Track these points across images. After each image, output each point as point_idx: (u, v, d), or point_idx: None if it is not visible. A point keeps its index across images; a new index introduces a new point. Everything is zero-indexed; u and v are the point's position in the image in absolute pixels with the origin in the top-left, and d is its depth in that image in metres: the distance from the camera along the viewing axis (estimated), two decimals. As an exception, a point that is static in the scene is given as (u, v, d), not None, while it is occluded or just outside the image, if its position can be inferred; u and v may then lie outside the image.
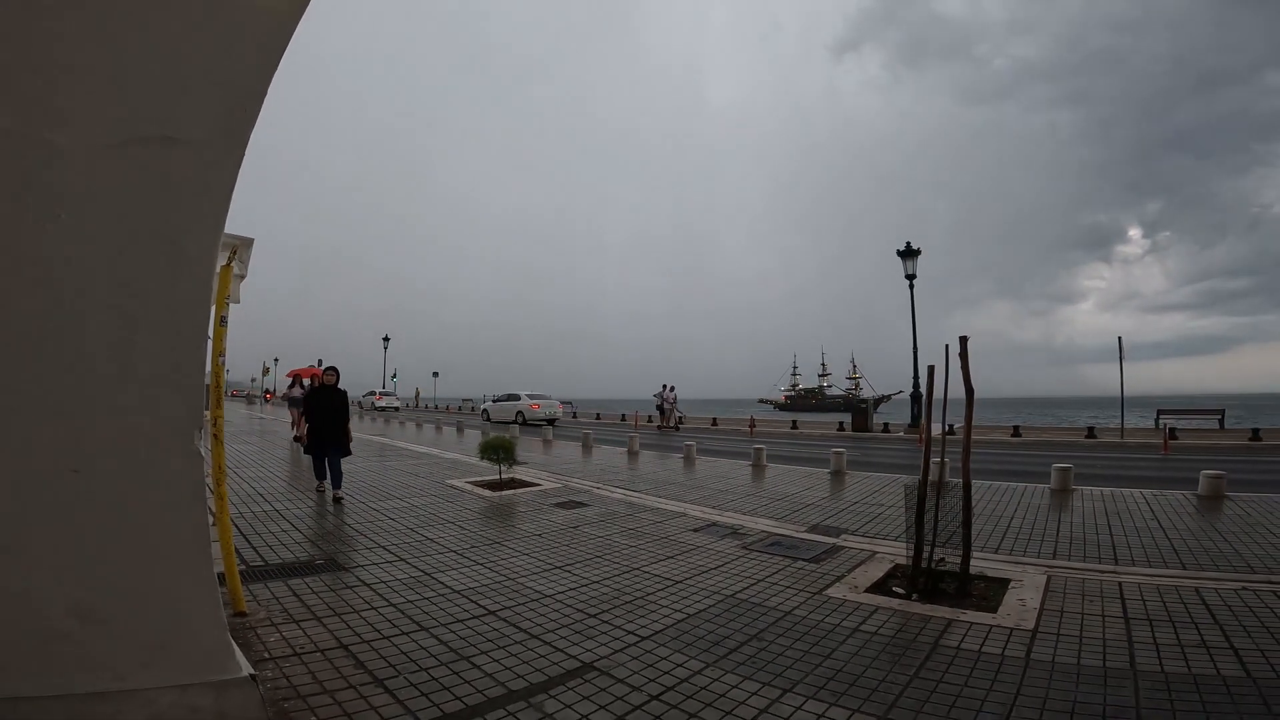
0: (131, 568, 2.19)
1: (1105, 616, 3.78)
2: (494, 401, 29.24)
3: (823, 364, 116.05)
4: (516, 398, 27.65)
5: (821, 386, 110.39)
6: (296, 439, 11.57)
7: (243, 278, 4.48)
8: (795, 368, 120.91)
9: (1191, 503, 7.28)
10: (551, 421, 25.18)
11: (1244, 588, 4.24)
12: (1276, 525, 6.07)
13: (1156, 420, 20.48)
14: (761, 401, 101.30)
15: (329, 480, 7.79)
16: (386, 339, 44.71)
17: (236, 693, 2.30)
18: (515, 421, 24.64)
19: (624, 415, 32.02)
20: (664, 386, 25.23)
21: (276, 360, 62.58)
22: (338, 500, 7.51)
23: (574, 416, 32.67)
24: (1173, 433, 16.24)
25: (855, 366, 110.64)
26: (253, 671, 2.41)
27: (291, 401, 16.36)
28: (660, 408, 25.56)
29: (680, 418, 26.24)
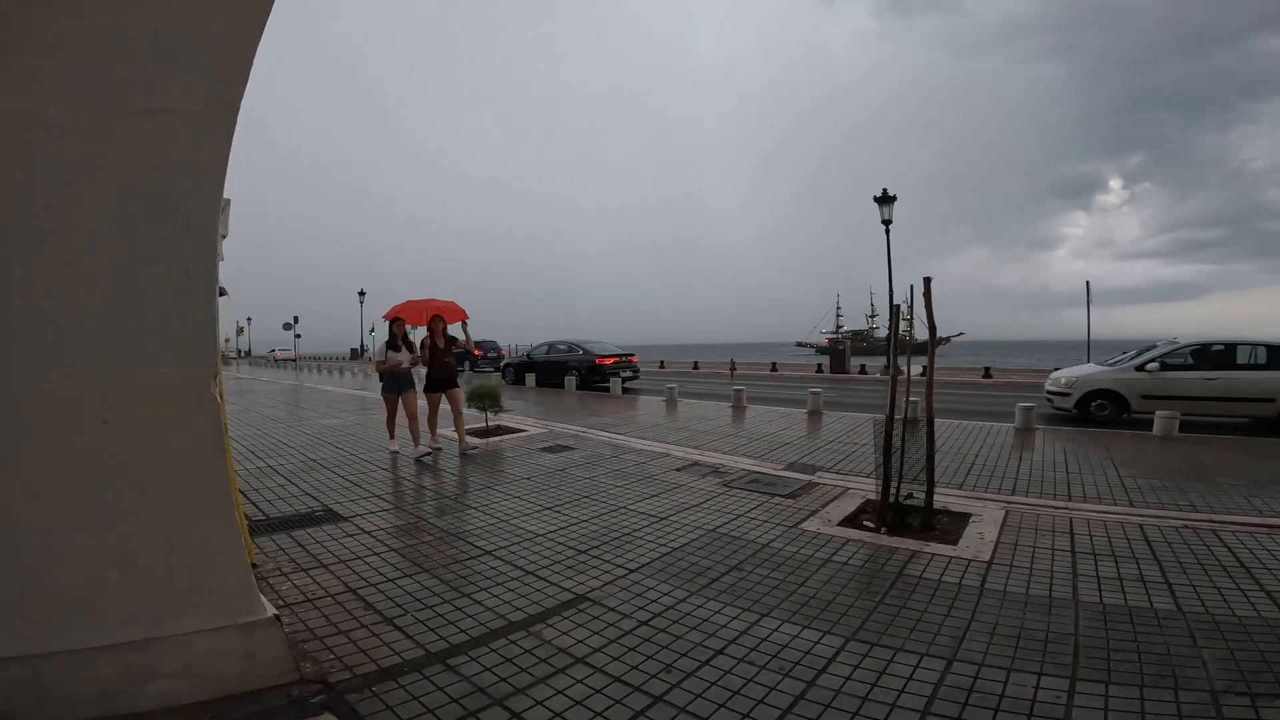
0: (162, 515, 2.33)
1: (1055, 550, 4.13)
2: None
3: (871, 304, 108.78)
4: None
5: (871, 329, 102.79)
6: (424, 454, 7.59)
7: (225, 236, 4.54)
8: (839, 309, 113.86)
9: (1144, 442, 7.73)
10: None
11: (1185, 525, 4.60)
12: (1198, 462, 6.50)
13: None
14: (800, 345, 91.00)
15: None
16: (362, 293, 43.69)
17: (263, 633, 2.49)
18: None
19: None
20: None
21: (250, 319, 59.66)
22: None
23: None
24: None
25: (907, 307, 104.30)
26: (276, 612, 2.60)
27: (389, 383, 7.81)
28: None
29: None
